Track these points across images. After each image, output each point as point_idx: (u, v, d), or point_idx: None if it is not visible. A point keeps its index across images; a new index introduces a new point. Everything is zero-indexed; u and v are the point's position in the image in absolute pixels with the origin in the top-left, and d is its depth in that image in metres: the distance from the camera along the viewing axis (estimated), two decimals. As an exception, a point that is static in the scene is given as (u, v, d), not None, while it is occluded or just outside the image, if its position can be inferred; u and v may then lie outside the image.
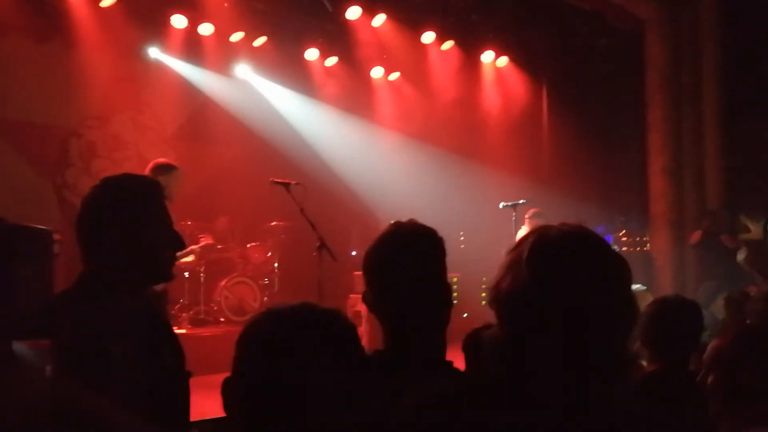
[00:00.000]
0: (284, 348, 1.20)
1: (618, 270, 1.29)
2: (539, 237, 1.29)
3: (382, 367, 1.73)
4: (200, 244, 7.45)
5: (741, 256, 5.08)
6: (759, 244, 5.17)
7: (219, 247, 8.25)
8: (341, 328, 1.27)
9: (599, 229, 9.79)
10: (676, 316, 2.69)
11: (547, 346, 1.24)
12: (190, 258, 7.46)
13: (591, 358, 1.23)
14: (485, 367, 1.36)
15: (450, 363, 1.79)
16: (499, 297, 1.29)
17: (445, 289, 1.79)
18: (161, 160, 5.48)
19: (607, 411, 1.25)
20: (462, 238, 9.88)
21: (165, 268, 1.97)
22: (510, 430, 1.23)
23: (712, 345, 2.04)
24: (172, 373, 1.91)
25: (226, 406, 1.24)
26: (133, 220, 1.89)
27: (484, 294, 9.38)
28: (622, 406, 1.30)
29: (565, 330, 1.22)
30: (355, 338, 1.29)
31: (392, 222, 1.85)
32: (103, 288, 1.85)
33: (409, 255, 1.76)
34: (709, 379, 1.99)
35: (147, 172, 5.25)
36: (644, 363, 2.82)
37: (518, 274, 1.26)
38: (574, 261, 1.26)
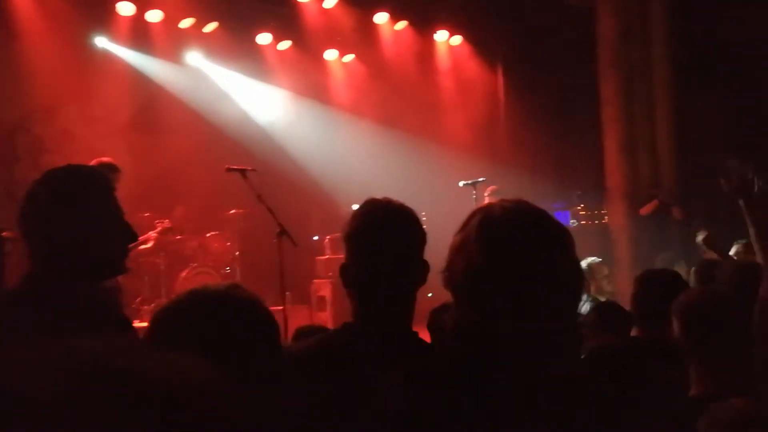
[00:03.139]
0: (182, 343, 1.17)
1: (561, 239, 1.32)
2: (484, 217, 1.32)
3: (350, 339, 1.74)
4: (157, 229, 7.32)
5: (700, 237, 5.20)
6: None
7: (178, 237, 8.11)
8: (235, 303, 1.23)
9: (557, 204, 9.92)
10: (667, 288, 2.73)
11: (504, 322, 1.26)
12: (149, 245, 7.34)
13: (545, 328, 1.26)
14: (448, 348, 1.37)
15: (416, 333, 1.82)
16: (454, 279, 1.31)
17: (420, 265, 1.81)
18: (104, 159, 5.36)
19: (565, 379, 1.29)
20: (424, 218, 9.88)
21: (117, 262, 1.91)
22: (474, 410, 1.25)
23: (683, 304, 2.08)
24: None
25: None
26: (78, 212, 1.82)
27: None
28: (579, 374, 1.34)
29: (518, 304, 1.25)
30: (255, 313, 1.25)
31: (367, 199, 1.86)
32: (48, 286, 1.79)
33: (388, 230, 1.78)
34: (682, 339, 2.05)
35: None
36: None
37: (469, 255, 1.28)
38: (520, 236, 1.29)
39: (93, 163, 5.19)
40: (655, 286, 2.74)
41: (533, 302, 1.25)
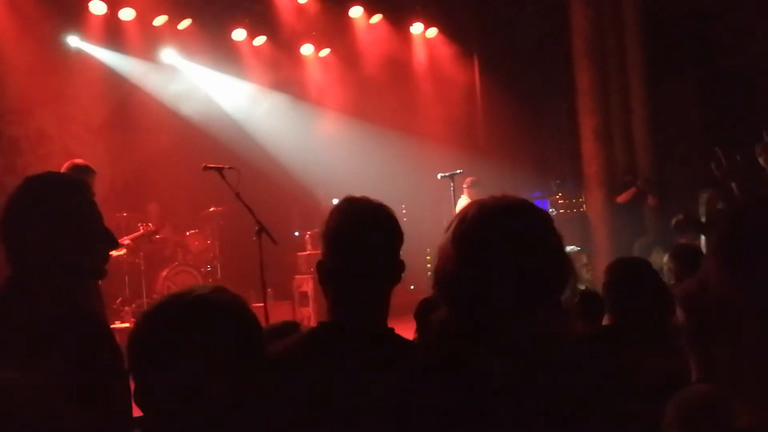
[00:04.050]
0: (163, 351, 1.20)
1: (541, 227, 1.34)
2: (461, 218, 1.36)
3: (327, 338, 1.76)
4: (140, 232, 7.22)
5: (673, 221, 5.29)
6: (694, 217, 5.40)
7: (157, 237, 8.05)
8: (217, 306, 1.24)
9: (536, 194, 10.00)
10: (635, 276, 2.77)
11: (489, 317, 1.29)
12: (122, 252, 7.27)
13: (531, 319, 1.29)
14: (434, 347, 1.40)
15: (392, 330, 1.83)
16: (438, 279, 1.37)
17: (395, 264, 1.82)
18: (78, 161, 5.27)
19: (554, 366, 1.32)
20: (404, 211, 9.92)
21: (95, 266, 1.91)
22: (465, 406, 1.28)
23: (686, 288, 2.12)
24: (108, 372, 1.86)
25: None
26: (57, 219, 1.83)
27: (429, 265, 9.48)
28: (566, 363, 1.36)
29: (500, 300, 1.28)
30: (237, 313, 1.26)
31: (345, 197, 1.87)
32: (29, 290, 1.79)
33: (362, 228, 1.79)
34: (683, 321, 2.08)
35: (63, 170, 5.05)
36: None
37: (446, 256, 1.33)
38: (491, 231, 1.32)
39: (66, 164, 5.11)
40: (625, 275, 2.77)
41: (513, 295, 1.28)
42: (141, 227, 7.25)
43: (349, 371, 1.65)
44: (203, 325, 1.21)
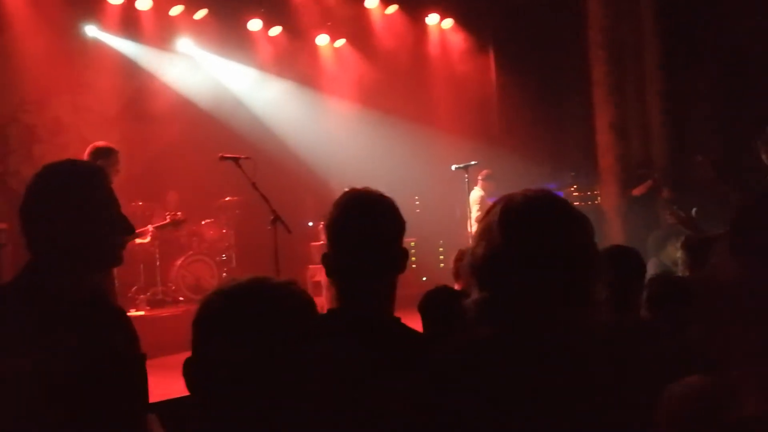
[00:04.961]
0: (236, 326, 1.21)
1: (580, 224, 1.42)
2: (506, 203, 1.41)
3: (335, 327, 1.77)
4: (165, 222, 7.05)
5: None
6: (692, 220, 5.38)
7: (184, 225, 7.84)
8: (294, 301, 1.26)
9: (550, 186, 9.96)
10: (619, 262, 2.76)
11: (527, 302, 1.34)
12: (146, 240, 7.25)
13: (563, 308, 1.34)
14: (470, 330, 1.43)
15: (398, 319, 1.85)
16: (476, 263, 1.40)
17: (398, 254, 1.84)
18: (100, 143, 5.33)
19: (587, 353, 1.37)
20: (417, 203, 9.93)
21: (112, 254, 1.94)
22: (508, 384, 1.32)
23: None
24: (124, 358, 1.89)
25: (189, 387, 1.24)
26: (75, 206, 1.85)
27: (441, 257, 9.49)
28: (600, 346, 1.42)
29: (539, 286, 1.33)
30: (311, 310, 1.29)
31: (346, 189, 1.90)
32: (47, 277, 1.82)
33: (365, 220, 1.81)
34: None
35: (86, 156, 5.12)
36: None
37: (491, 240, 1.37)
38: (538, 220, 1.38)
39: (88, 149, 5.19)
40: (618, 266, 2.75)
41: (552, 283, 1.34)
42: (168, 216, 7.13)
43: (355, 359, 1.67)
44: (279, 310, 1.23)
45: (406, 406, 1.44)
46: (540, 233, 1.36)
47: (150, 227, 6.94)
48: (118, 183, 5.36)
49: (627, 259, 2.76)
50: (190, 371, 1.23)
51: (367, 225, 1.80)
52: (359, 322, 1.77)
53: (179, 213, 7.15)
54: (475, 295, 1.41)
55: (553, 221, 1.39)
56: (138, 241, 7.07)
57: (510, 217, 1.38)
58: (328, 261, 1.84)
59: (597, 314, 1.39)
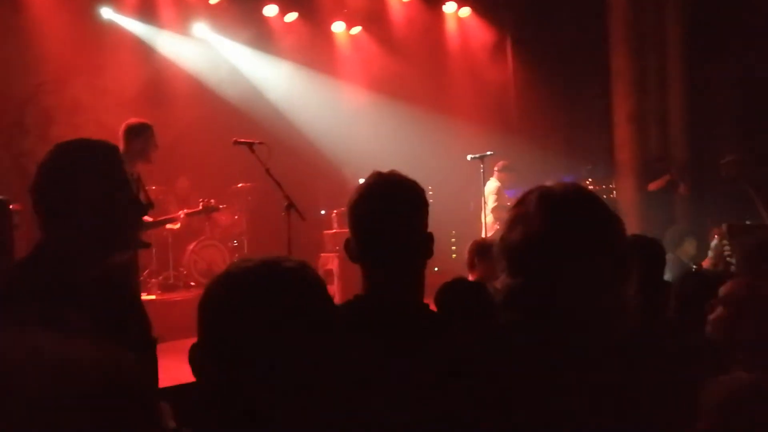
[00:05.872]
0: (241, 310, 1.16)
1: (614, 218, 1.43)
2: (544, 192, 1.42)
3: (363, 311, 1.74)
4: (198, 209, 6.82)
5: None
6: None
7: (221, 206, 7.61)
8: (305, 283, 1.22)
9: (566, 178, 9.87)
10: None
11: (563, 290, 1.34)
12: (176, 225, 7.01)
13: (597, 299, 1.35)
14: (500, 315, 1.43)
15: (427, 305, 1.82)
16: (509, 248, 1.39)
17: (426, 237, 1.80)
18: (134, 120, 5.24)
19: (619, 344, 1.38)
20: (431, 193, 9.87)
21: (127, 235, 1.91)
22: (536, 372, 1.32)
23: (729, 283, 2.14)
24: (136, 341, 1.87)
25: (195, 373, 1.20)
26: (87, 185, 1.83)
27: (454, 248, 9.45)
28: (627, 347, 1.41)
29: (575, 273, 1.33)
30: (322, 292, 1.24)
31: (373, 172, 1.84)
32: (59, 257, 1.80)
33: (390, 204, 1.77)
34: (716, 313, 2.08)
35: (120, 133, 5.08)
36: None
37: (528, 226, 1.37)
38: (579, 209, 1.39)
39: (122, 126, 5.10)
40: (642, 256, 2.69)
41: (587, 273, 1.34)
42: (201, 202, 6.82)
43: (384, 344, 1.63)
44: (290, 294, 1.19)
45: (433, 392, 1.41)
46: (582, 223, 1.37)
47: (181, 213, 6.65)
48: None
49: (651, 250, 2.68)
50: (195, 356, 1.19)
51: (391, 208, 1.75)
52: (387, 309, 1.73)
53: (212, 200, 6.87)
54: (503, 281, 1.40)
55: (594, 212, 1.39)
56: (168, 226, 6.94)
57: (551, 205, 1.38)
58: (350, 246, 1.79)
59: (628, 307, 1.38)
